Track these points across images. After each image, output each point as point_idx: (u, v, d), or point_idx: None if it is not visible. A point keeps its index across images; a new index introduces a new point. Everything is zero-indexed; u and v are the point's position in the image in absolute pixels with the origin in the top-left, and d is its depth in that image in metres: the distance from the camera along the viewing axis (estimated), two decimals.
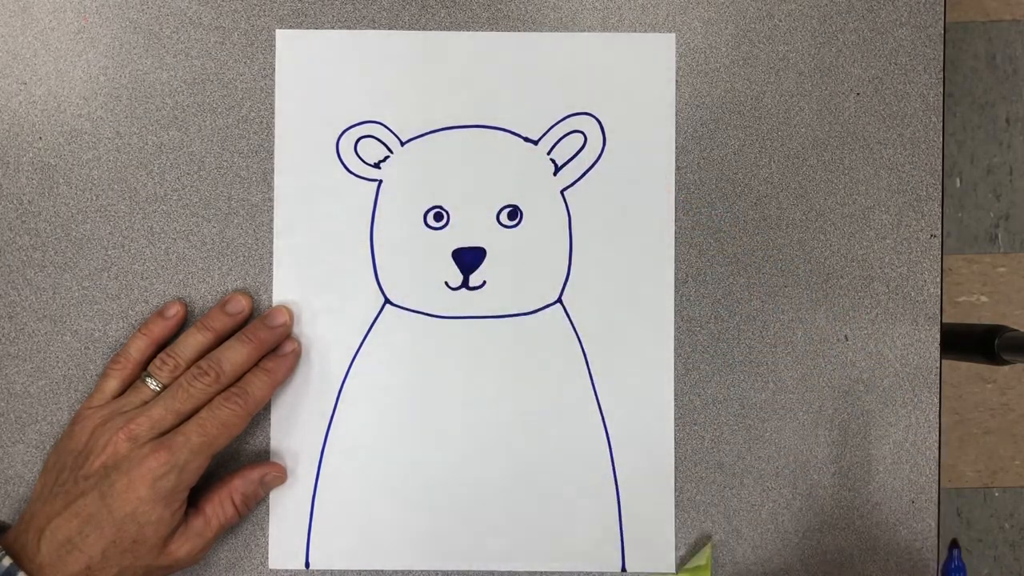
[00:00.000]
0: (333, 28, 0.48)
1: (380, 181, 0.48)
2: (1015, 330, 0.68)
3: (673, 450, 0.48)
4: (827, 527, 0.49)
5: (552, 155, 0.49)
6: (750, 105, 0.49)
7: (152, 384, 0.45)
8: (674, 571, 0.48)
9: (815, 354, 0.49)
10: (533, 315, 0.49)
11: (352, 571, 0.48)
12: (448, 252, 0.48)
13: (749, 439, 0.49)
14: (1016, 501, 1.17)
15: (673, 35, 0.49)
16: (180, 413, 0.43)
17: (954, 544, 0.44)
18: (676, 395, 0.49)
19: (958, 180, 1.18)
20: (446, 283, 0.48)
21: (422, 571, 0.48)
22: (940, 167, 0.49)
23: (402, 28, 0.48)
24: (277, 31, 0.48)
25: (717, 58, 0.49)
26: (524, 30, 0.49)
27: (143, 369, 0.46)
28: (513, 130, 0.49)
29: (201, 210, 0.48)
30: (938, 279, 0.49)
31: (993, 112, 1.17)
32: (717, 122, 0.49)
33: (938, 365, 0.49)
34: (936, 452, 0.49)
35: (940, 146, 0.49)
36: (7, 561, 0.41)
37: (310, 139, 0.48)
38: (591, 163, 0.49)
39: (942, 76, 0.49)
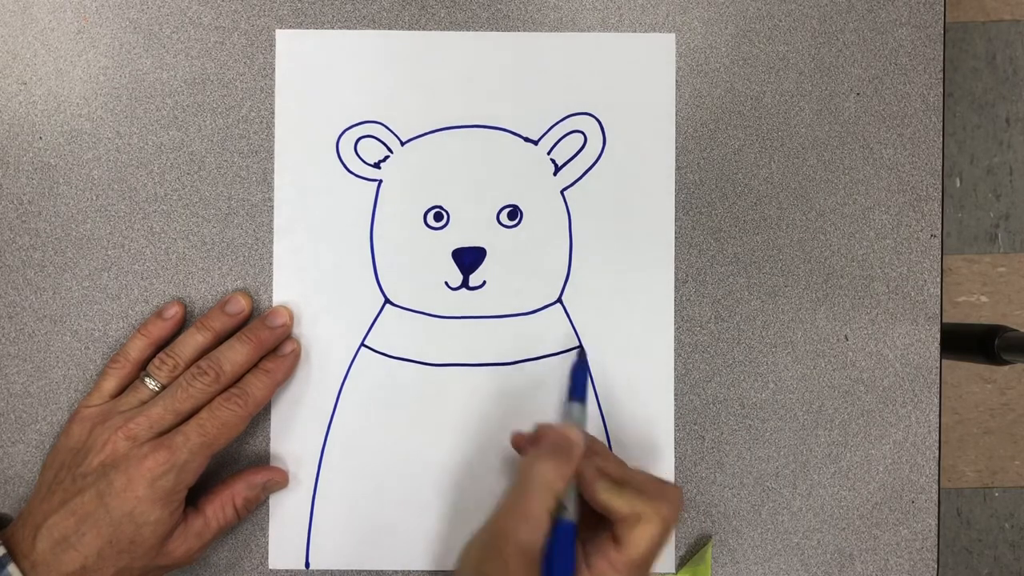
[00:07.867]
0: (333, 28, 0.48)
1: (380, 181, 0.48)
2: (1015, 330, 0.68)
3: (673, 450, 0.48)
4: (827, 527, 0.49)
5: (552, 155, 0.49)
6: (750, 105, 0.49)
7: (151, 384, 0.45)
8: (674, 571, 0.48)
9: (815, 354, 0.49)
10: (533, 315, 0.48)
11: (352, 571, 0.48)
12: (448, 252, 0.48)
13: (749, 439, 0.49)
14: (1016, 501, 1.17)
15: (673, 35, 0.49)
16: (179, 413, 0.43)
17: (581, 352, 0.45)
18: (676, 395, 0.49)
19: (958, 180, 1.18)
20: (446, 283, 0.48)
21: (422, 571, 0.48)
22: (940, 167, 0.49)
23: (402, 28, 0.48)
24: (277, 31, 0.48)
25: (717, 58, 0.49)
26: (524, 30, 0.49)
27: (142, 369, 0.46)
28: (513, 130, 0.49)
29: (201, 210, 0.48)
30: (938, 279, 0.49)
31: (993, 112, 1.17)
32: (717, 122, 0.49)
33: (938, 365, 0.49)
34: (936, 452, 0.49)
35: (940, 146, 0.49)
36: (0, 550, 0.40)
37: (310, 139, 0.48)
38: (591, 163, 0.49)
39: (942, 76, 0.49)
